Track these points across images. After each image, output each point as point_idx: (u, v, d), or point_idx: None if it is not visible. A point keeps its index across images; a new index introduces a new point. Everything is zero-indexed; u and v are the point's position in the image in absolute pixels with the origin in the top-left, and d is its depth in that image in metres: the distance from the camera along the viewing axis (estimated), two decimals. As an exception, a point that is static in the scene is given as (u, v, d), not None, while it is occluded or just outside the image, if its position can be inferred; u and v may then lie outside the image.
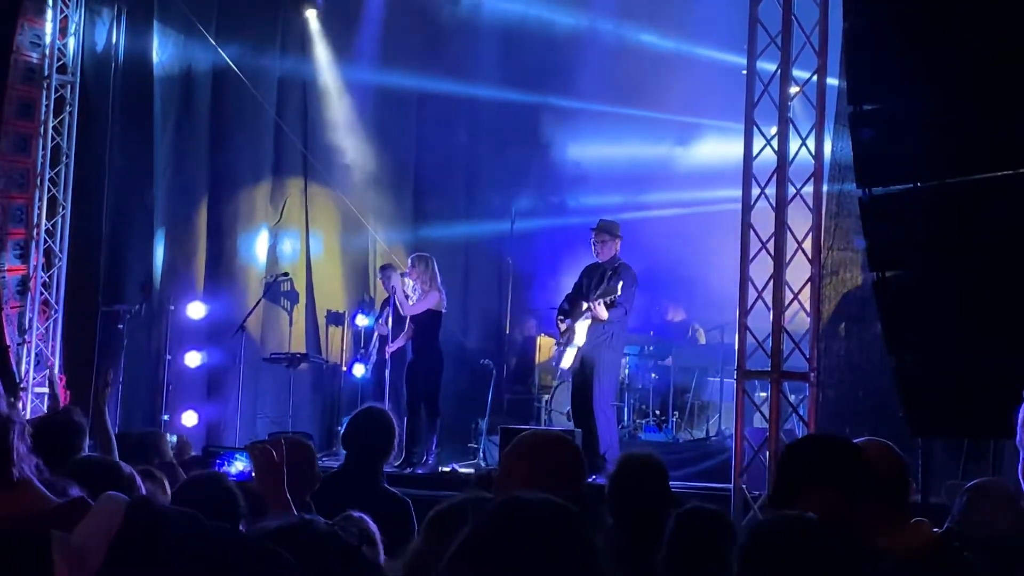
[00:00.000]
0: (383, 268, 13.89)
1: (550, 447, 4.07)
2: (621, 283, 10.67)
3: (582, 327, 10.86)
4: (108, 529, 1.57)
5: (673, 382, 13.67)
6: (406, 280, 11.86)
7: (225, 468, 4.53)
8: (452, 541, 2.81)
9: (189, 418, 13.41)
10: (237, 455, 4.52)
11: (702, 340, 14.70)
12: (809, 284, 8.72)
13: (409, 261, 12.01)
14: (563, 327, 11.13)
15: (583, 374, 10.91)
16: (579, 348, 10.91)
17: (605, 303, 10.68)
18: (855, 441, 3.86)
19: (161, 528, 1.64)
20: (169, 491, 4.35)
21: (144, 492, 3.86)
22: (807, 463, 3.62)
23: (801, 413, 8.95)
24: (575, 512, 2.32)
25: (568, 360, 11.00)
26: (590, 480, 9.95)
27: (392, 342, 12.41)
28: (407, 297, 11.90)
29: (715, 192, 13.35)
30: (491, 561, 2.21)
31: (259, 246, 14.79)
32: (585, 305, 10.86)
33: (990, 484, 5.20)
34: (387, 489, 5.88)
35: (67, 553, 1.54)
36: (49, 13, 12.98)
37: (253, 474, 4.32)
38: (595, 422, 10.76)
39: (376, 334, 13.33)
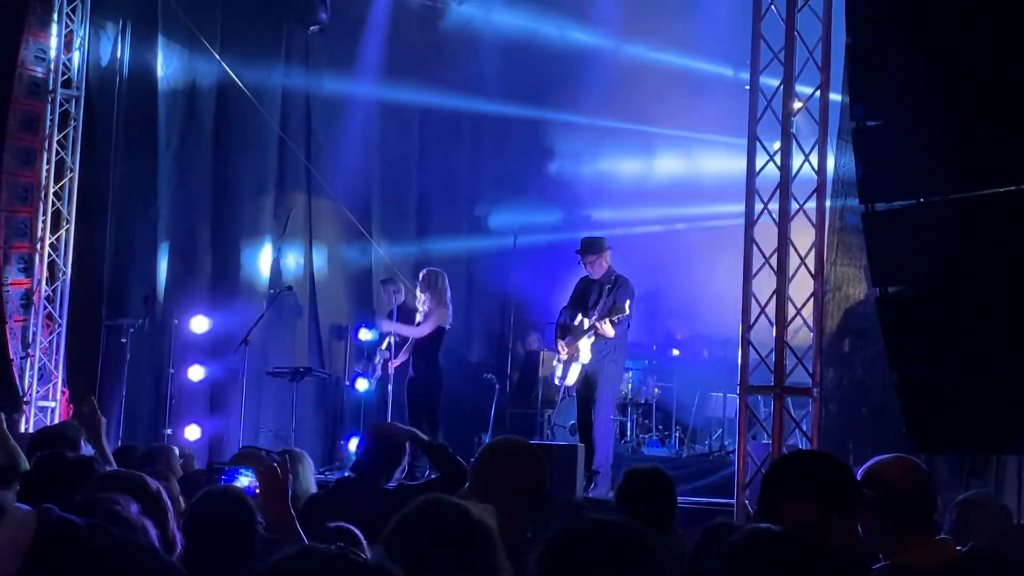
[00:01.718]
0: (384, 282, 13.92)
1: (511, 455, 4.34)
2: (628, 301, 10.68)
3: (586, 344, 10.84)
4: (22, 540, 1.56)
5: (676, 397, 13.68)
6: (419, 294, 11.90)
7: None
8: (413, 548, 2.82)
9: (192, 432, 13.41)
10: (242, 470, 4.51)
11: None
12: (812, 299, 8.73)
13: (421, 276, 12.04)
14: (565, 352, 11.13)
15: (586, 388, 10.91)
16: (583, 365, 10.90)
17: (612, 321, 10.67)
18: (881, 458, 3.89)
19: (75, 539, 1.64)
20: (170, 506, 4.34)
21: (170, 507, 3.86)
22: (783, 477, 3.66)
23: (804, 428, 8.95)
24: (642, 530, 2.34)
25: (572, 377, 10.99)
26: (589, 494, 9.98)
27: (394, 358, 12.42)
28: (415, 311, 11.96)
29: (718, 207, 13.35)
30: None
31: (263, 260, 14.80)
32: (588, 323, 10.84)
33: (980, 497, 5.21)
34: (390, 489, 5.94)
35: None
36: (54, 27, 13.01)
37: (257, 490, 4.34)
38: (593, 436, 10.79)
39: (379, 357, 13.33)
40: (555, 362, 11.44)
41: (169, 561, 2.69)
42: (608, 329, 10.67)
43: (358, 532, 4.22)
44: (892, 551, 3.71)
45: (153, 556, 1.85)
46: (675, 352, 14.59)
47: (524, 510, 4.08)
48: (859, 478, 3.83)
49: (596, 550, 2.30)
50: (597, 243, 11.10)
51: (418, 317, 11.99)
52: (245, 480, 4.49)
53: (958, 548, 3.76)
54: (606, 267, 11.00)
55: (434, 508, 3.14)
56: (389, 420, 11.77)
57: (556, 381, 11.51)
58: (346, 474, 6.39)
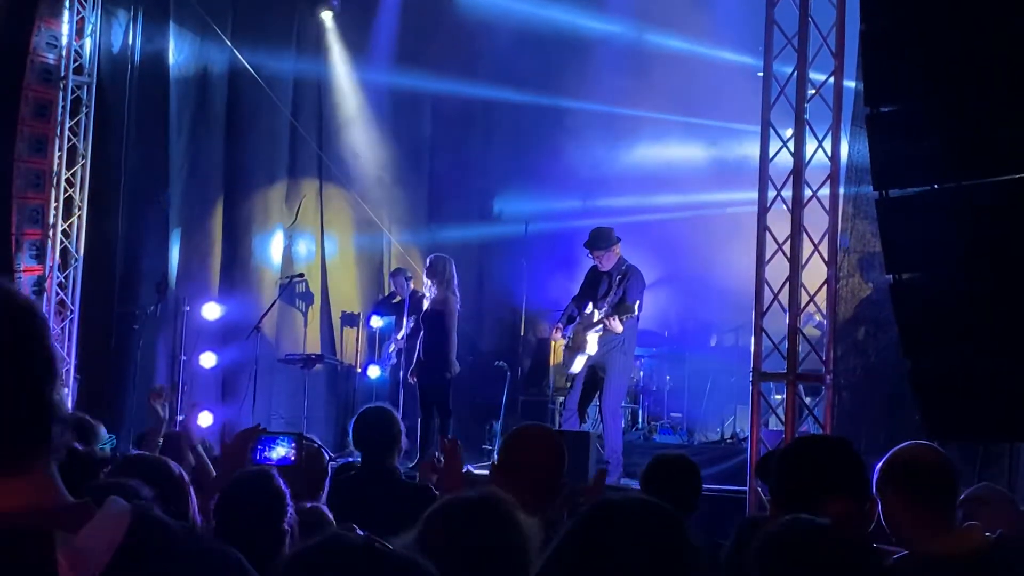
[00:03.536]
0: (394, 274, 13.94)
1: (534, 442, 4.42)
2: (639, 302, 10.65)
3: (593, 337, 10.82)
4: (114, 535, 1.53)
5: (688, 384, 13.67)
6: (425, 280, 11.90)
7: (265, 454, 4.50)
8: (449, 540, 2.80)
9: (204, 419, 13.41)
10: (279, 440, 4.49)
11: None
12: (825, 286, 8.71)
13: (427, 262, 12.02)
14: (558, 334, 11.17)
15: (593, 378, 10.90)
16: (590, 356, 10.88)
17: (621, 319, 10.64)
18: (905, 445, 3.86)
19: (165, 540, 1.62)
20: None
21: (192, 492, 3.86)
22: (824, 470, 3.61)
23: (817, 415, 8.94)
24: (670, 511, 2.32)
25: (577, 366, 10.98)
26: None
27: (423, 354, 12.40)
28: (423, 297, 11.98)
29: (731, 194, 13.33)
30: (592, 564, 2.20)
31: (274, 247, 14.81)
32: (597, 316, 10.81)
33: (985, 492, 5.16)
34: (408, 482, 5.96)
35: (71, 555, 1.50)
36: (66, 14, 13.02)
37: (293, 459, 4.34)
38: (602, 426, 10.78)
39: (394, 346, 13.32)
40: (563, 348, 11.48)
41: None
42: (616, 325, 10.63)
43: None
44: (918, 539, 3.67)
45: (239, 569, 1.83)
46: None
47: (541, 499, 4.09)
48: (884, 466, 3.80)
49: (628, 526, 2.27)
50: (605, 236, 11.01)
51: (425, 303, 11.97)
52: (282, 450, 4.48)
53: (987, 535, 3.71)
54: (616, 258, 10.97)
55: (457, 507, 3.10)
56: (401, 408, 11.77)
57: (564, 368, 11.54)
58: (350, 460, 6.37)
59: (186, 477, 3.88)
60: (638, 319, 10.94)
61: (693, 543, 2.28)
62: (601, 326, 10.75)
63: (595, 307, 10.89)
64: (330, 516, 4.30)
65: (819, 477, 3.58)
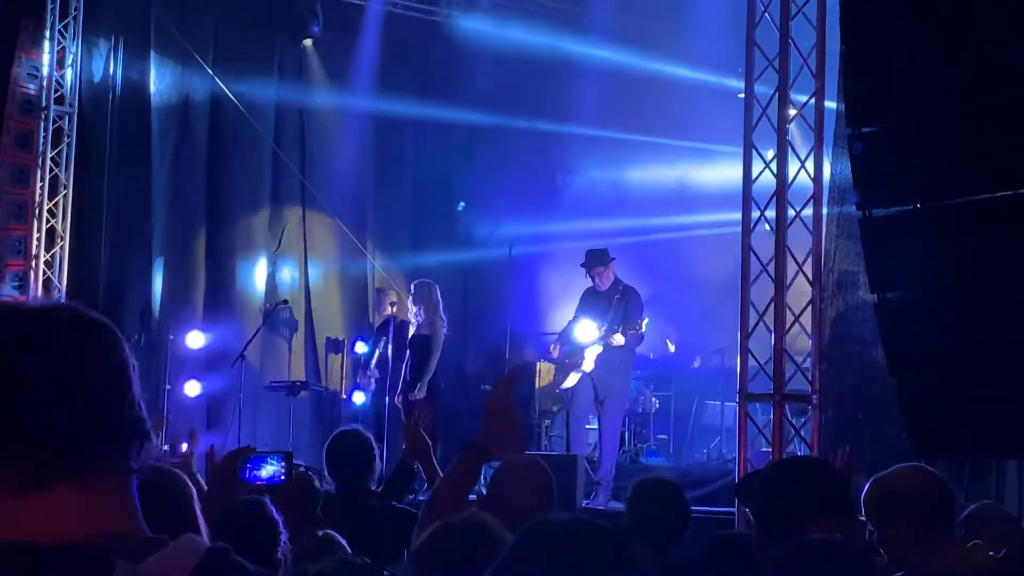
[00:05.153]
0: (379, 290, 13.95)
1: (526, 471, 4.55)
2: (646, 320, 10.63)
3: (591, 354, 10.77)
4: (181, 570, 1.44)
5: (674, 406, 13.67)
6: (411, 307, 11.90)
7: (255, 473, 4.47)
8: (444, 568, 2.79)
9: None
10: (268, 459, 4.47)
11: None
12: (810, 306, 8.74)
13: (412, 288, 12.03)
14: (556, 351, 11.15)
15: (587, 397, 10.87)
16: (585, 372, 10.85)
17: (624, 333, 10.60)
18: (899, 467, 3.84)
19: None
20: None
21: (199, 510, 3.82)
22: (807, 492, 3.60)
23: (803, 435, 8.94)
24: (612, 529, 2.29)
25: (570, 382, 10.93)
26: (585, 504, 9.97)
27: (392, 372, 12.38)
28: (407, 323, 11.99)
29: (715, 215, 13.37)
30: None
31: (258, 274, 14.79)
32: (598, 334, 10.74)
33: (985, 510, 5.16)
34: (380, 504, 5.94)
35: None
36: (46, 45, 13.03)
37: (283, 478, 4.32)
38: (599, 447, 10.76)
39: (372, 379, 13.29)
40: (552, 360, 11.51)
41: None
42: (618, 338, 10.59)
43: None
44: (920, 558, 3.64)
45: None
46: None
47: None
48: (878, 492, 3.77)
49: (563, 549, 2.23)
50: (602, 254, 11.03)
51: (411, 329, 11.98)
52: (271, 468, 4.45)
53: (991, 553, 3.68)
54: (612, 278, 10.96)
55: (456, 532, 3.08)
56: (386, 433, 11.76)
57: (557, 390, 11.53)
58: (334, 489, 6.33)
59: (195, 501, 3.83)
60: (641, 338, 10.89)
61: (639, 567, 2.24)
62: (601, 343, 10.71)
63: (597, 329, 10.85)
64: (343, 542, 4.28)
65: (803, 499, 3.57)
